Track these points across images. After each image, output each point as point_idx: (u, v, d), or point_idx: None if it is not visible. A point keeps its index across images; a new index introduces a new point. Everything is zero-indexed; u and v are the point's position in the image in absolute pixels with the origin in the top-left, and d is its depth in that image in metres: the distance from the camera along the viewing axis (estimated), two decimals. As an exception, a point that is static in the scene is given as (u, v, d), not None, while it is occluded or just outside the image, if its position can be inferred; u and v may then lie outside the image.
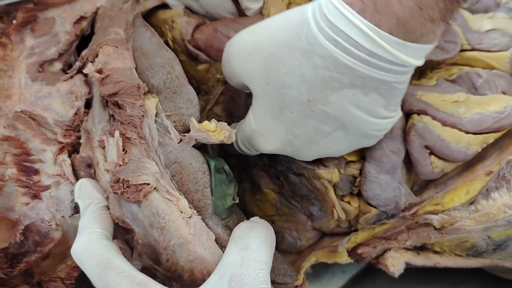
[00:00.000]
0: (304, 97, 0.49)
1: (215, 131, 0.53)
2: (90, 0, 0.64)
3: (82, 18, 0.64)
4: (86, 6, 0.64)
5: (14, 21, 0.65)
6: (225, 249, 0.50)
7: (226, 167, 0.57)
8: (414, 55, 0.46)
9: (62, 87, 0.59)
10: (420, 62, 0.47)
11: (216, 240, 0.51)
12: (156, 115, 0.53)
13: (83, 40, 0.65)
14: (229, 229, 0.54)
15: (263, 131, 0.54)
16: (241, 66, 0.52)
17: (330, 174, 0.61)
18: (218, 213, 0.55)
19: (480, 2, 0.68)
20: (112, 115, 0.54)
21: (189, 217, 0.50)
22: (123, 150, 0.51)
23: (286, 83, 0.49)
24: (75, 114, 0.59)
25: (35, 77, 0.61)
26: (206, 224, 0.52)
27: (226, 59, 0.55)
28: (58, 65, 0.63)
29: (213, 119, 0.54)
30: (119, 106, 0.53)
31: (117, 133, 0.52)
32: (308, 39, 0.47)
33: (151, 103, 0.53)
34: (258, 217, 0.54)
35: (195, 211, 0.51)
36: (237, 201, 0.58)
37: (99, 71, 0.54)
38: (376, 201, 0.62)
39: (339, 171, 0.61)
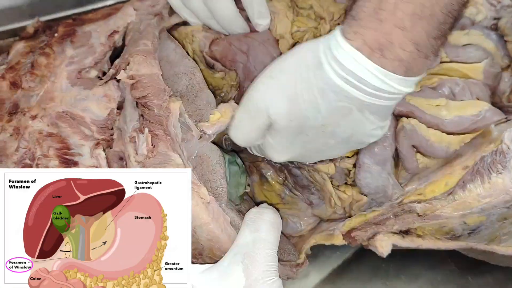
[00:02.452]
0: (319, 123, 0.50)
1: (222, 115, 0.54)
2: (122, 17, 0.65)
3: (115, 32, 0.64)
4: (118, 21, 0.65)
5: (56, 34, 0.66)
6: (238, 230, 0.51)
7: (239, 160, 0.58)
8: (411, 85, 0.48)
9: (97, 91, 0.60)
10: (413, 89, 0.49)
11: (230, 223, 0.52)
12: (180, 115, 0.54)
13: (115, 51, 0.65)
14: (242, 213, 0.55)
15: (279, 148, 0.55)
16: (269, 110, 0.51)
17: (327, 167, 0.62)
18: (232, 200, 0.56)
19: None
20: (142, 115, 0.55)
21: (208, 203, 0.51)
22: (152, 145, 0.52)
23: (305, 116, 0.50)
24: (109, 114, 0.59)
25: (74, 82, 0.61)
26: (222, 209, 0.52)
27: (250, 109, 0.52)
28: (94, 72, 0.63)
29: (214, 110, 0.55)
30: (148, 107, 0.54)
31: (146, 130, 0.53)
32: (323, 79, 0.47)
33: (176, 104, 0.54)
34: (266, 204, 0.55)
35: (213, 197, 0.52)
36: (248, 189, 0.59)
37: (131, 77, 0.55)
38: (367, 189, 0.63)
39: (334, 164, 0.62)
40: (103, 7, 0.76)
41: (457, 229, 0.62)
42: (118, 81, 0.59)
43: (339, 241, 0.64)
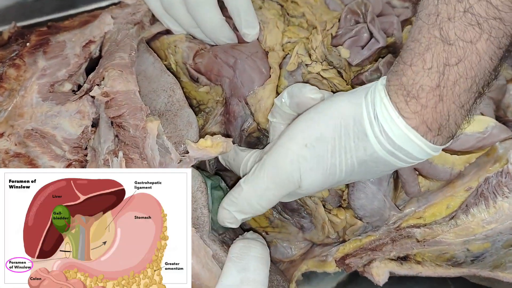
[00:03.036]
0: (346, 180, 0.49)
1: (212, 146, 0.49)
2: (98, 26, 0.61)
3: (90, 42, 0.60)
4: (95, 30, 0.61)
5: (28, 44, 0.62)
6: (222, 265, 0.47)
7: (223, 184, 0.54)
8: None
9: (71, 107, 0.56)
10: None
11: (213, 256, 0.48)
12: (158, 136, 0.50)
13: (91, 62, 0.61)
14: (226, 244, 0.51)
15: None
16: (303, 182, 0.47)
17: (321, 192, 0.58)
18: (215, 228, 0.52)
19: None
20: (117, 135, 0.51)
21: None
22: None
23: (337, 181, 0.48)
24: (83, 132, 0.56)
25: (46, 97, 0.57)
26: (204, 241, 0.49)
27: (281, 181, 0.47)
28: (68, 86, 0.59)
29: (207, 135, 0.51)
30: (123, 127, 0.50)
31: (120, 154, 0.49)
32: (367, 151, 0.44)
33: (153, 125, 0.50)
34: (252, 231, 0.51)
35: (194, 229, 0.48)
36: (234, 216, 0.54)
37: (105, 94, 0.51)
38: (362, 212, 0.59)
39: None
40: (82, 12, 0.72)
41: (459, 256, 0.59)
42: (93, 96, 0.55)
43: (332, 268, 0.61)
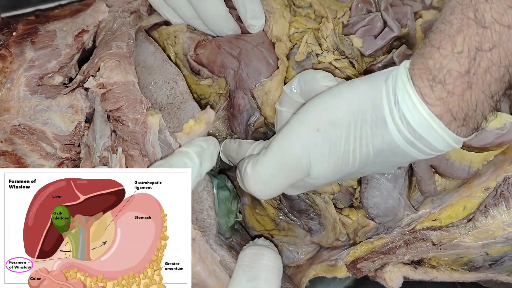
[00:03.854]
0: (359, 172, 0.46)
1: (196, 123, 0.47)
2: (92, 14, 0.58)
3: (83, 31, 0.57)
4: (88, 19, 0.58)
5: (14, 33, 0.58)
6: (230, 272, 0.45)
7: (229, 184, 0.51)
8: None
9: (62, 101, 0.53)
10: None
11: (220, 262, 0.45)
12: (159, 131, 0.47)
13: (84, 53, 0.58)
14: (234, 249, 0.47)
15: (299, 190, 0.50)
16: (312, 170, 0.43)
17: (331, 186, 0.56)
18: (222, 232, 0.48)
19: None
20: (114, 131, 0.48)
21: (193, 239, 0.43)
22: (126, 167, 0.46)
23: (349, 172, 0.44)
24: (75, 128, 0.53)
25: (34, 90, 0.54)
26: (211, 246, 0.46)
27: (288, 166, 0.44)
28: (58, 78, 0.56)
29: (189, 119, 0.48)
30: (121, 121, 0.46)
31: (120, 150, 0.46)
32: (385, 140, 0.41)
33: (154, 119, 0.47)
34: (263, 238, 0.47)
35: (200, 232, 0.44)
36: (240, 218, 0.51)
37: (101, 86, 0.47)
38: (376, 211, 0.56)
39: (338, 183, 0.56)
40: (72, 2, 0.68)
41: (477, 260, 0.57)
42: (86, 89, 0.52)
43: (342, 273, 0.58)
